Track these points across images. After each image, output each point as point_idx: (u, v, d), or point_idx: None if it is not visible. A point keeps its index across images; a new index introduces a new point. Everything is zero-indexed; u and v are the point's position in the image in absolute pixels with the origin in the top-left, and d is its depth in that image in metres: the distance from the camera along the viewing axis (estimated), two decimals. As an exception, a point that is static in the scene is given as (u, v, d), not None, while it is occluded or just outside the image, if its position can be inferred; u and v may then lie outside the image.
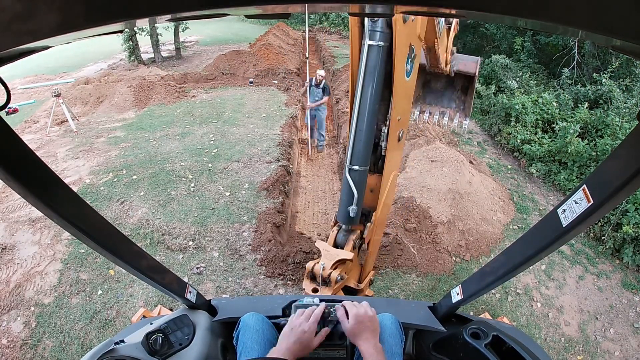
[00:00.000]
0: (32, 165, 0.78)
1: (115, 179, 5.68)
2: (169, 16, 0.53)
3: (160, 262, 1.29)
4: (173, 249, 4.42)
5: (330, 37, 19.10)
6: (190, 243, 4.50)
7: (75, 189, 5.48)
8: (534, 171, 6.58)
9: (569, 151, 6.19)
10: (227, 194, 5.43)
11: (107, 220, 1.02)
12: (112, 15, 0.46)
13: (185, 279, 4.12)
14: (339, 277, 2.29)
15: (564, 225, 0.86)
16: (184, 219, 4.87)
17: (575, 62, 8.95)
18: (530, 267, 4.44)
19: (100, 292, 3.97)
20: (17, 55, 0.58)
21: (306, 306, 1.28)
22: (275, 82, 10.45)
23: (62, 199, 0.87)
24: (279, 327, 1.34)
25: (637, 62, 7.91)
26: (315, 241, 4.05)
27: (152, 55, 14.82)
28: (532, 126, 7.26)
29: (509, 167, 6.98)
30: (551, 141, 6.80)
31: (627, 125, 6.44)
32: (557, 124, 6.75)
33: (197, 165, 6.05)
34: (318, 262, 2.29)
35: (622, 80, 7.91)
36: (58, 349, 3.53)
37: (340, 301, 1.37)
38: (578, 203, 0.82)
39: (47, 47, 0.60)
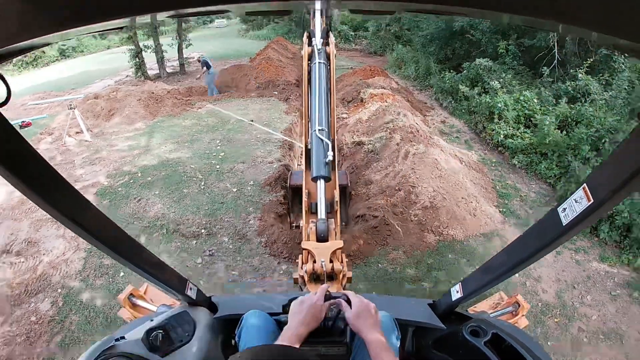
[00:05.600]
0: (34, 164, 0.78)
1: (131, 181, 6.20)
2: (172, 12, 0.54)
3: (160, 258, 1.27)
4: (187, 236, 4.91)
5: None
6: (203, 231, 4.99)
7: (94, 190, 6.00)
8: (517, 162, 7.07)
9: (548, 142, 6.68)
10: (234, 190, 5.93)
11: (107, 217, 1.02)
12: (114, 12, 0.47)
13: (199, 260, 4.60)
14: (342, 267, 2.29)
15: (564, 224, 0.86)
16: (196, 211, 5.37)
17: (556, 61, 9.49)
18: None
19: (122, 273, 4.44)
20: (17, 51, 0.57)
21: None
22: (276, 92, 11.07)
23: (63, 196, 0.86)
24: (280, 324, 1.36)
25: (616, 57, 8.35)
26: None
27: (158, 71, 15.48)
28: (514, 122, 7.76)
29: (494, 160, 7.46)
30: (533, 135, 7.29)
31: (603, 116, 6.89)
32: (536, 118, 7.26)
33: (206, 167, 6.57)
34: (315, 262, 2.24)
35: (601, 75, 8.40)
36: (84, 322, 3.96)
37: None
38: (578, 202, 0.81)
39: (47, 44, 0.60)
